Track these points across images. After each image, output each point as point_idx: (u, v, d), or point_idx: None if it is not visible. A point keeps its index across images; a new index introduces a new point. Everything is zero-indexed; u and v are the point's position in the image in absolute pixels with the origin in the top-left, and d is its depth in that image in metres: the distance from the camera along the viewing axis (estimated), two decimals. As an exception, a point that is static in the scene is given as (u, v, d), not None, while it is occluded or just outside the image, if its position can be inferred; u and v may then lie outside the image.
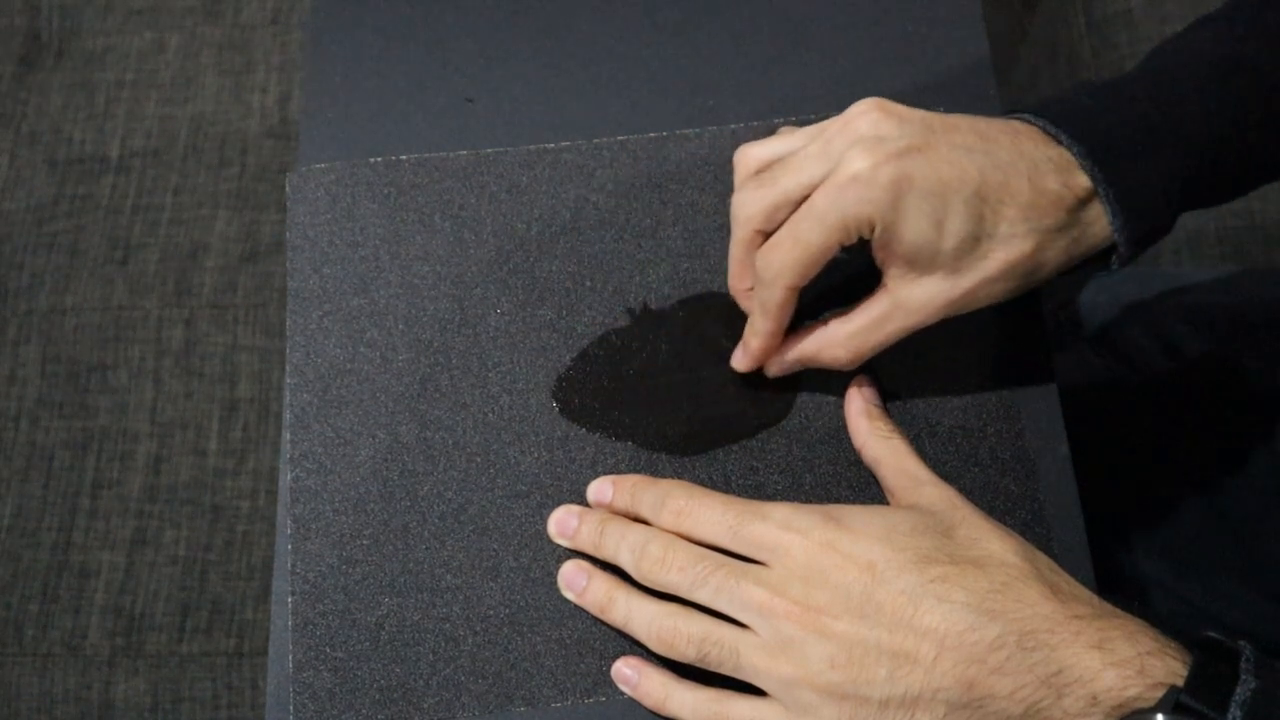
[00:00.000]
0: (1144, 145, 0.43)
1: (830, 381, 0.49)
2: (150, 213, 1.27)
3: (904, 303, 0.44)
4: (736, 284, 0.47)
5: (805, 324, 0.47)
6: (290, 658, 0.46)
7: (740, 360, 0.48)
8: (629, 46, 0.57)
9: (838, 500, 0.48)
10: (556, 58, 0.56)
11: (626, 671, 0.44)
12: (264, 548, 1.14)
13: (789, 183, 0.43)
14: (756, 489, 0.48)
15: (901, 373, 0.50)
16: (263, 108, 1.32)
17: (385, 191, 0.53)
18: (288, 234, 0.53)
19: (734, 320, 0.49)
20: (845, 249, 0.43)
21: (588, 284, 0.52)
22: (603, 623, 0.45)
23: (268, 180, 1.28)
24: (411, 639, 0.46)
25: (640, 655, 0.45)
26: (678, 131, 0.54)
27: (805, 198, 0.43)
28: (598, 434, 0.49)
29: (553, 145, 0.54)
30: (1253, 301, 0.66)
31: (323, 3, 0.58)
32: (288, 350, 0.51)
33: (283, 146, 1.30)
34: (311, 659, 0.46)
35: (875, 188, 0.41)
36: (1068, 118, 0.44)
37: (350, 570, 0.47)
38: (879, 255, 0.44)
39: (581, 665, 0.45)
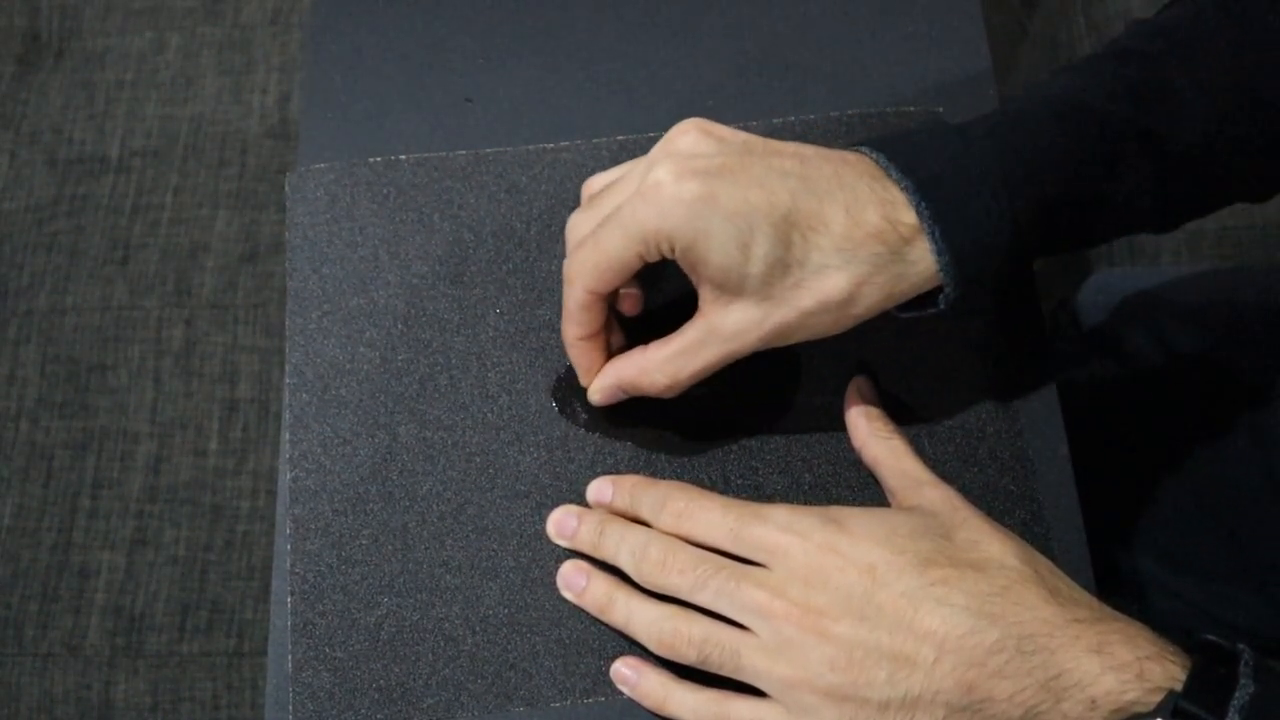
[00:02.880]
0: (977, 184, 0.42)
1: (830, 382, 0.49)
2: (150, 213, 1.27)
3: (718, 329, 0.43)
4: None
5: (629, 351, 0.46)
6: (289, 658, 0.46)
7: (580, 376, 0.47)
8: (629, 46, 0.57)
9: (837, 501, 0.48)
10: (556, 58, 0.56)
11: (625, 672, 0.44)
12: (264, 548, 1.14)
13: (609, 203, 0.43)
14: (756, 489, 0.48)
15: (901, 373, 0.50)
16: (263, 108, 1.32)
17: (385, 191, 0.53)
18: (287, 234, 0.53)
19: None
20: (660, 276, 0.43)
21: (587, 284, 0.52)
22: (602, 623, 0.45)
23: (268, 180, 1.28)
24: (411, 639, 0.46)
25: (639, 655, 0.45)
26: (677, 131, 0.54)
27: None
28: (597, 434, 0.49)
29: (552, 145, 0.54)
30: (1251, 302, 0.66)
31: (323, 3, 0.58)
32: (287, 350, 0.51)
33: (283, 146, 1.30)
34: (311, 659, 0.46)
35: (675, 203, 0.40)
36: (902, 153, 0.43)
37: (349, 570, 0.47)
38: (691, 277, 0.43)
39: (581, 665, 0.45)
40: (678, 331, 0.44)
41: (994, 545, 0.41)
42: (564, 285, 0.45)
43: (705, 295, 0.43)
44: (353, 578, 0.47)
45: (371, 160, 0.54)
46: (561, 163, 0.54)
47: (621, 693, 0.45)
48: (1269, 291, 0.67)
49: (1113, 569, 0.65)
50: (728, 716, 0.41)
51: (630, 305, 0.48)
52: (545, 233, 0.52)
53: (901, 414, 0.49)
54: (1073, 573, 0.41)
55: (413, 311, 0.51)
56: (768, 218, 0.40)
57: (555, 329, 0.51)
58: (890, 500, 0.46)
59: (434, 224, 0.53)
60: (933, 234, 0.41)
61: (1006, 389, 0.50)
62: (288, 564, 0.47)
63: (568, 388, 0.50)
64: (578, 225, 0.45)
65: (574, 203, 0.53)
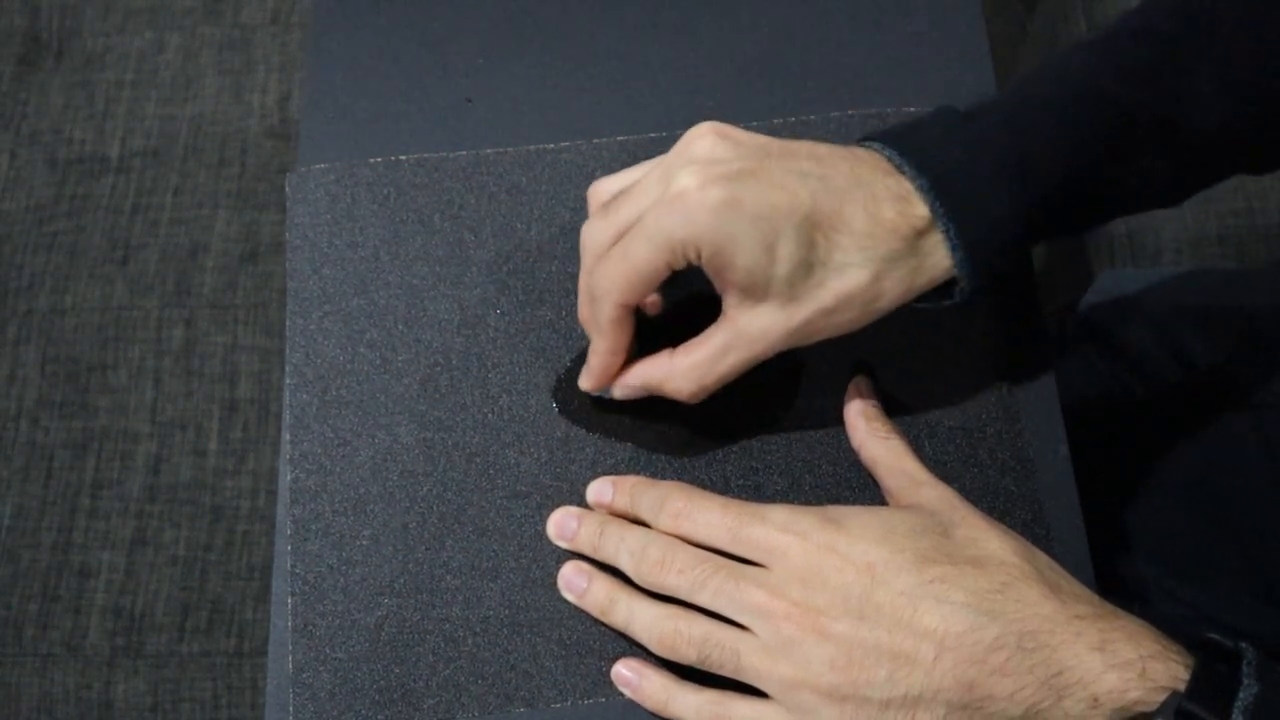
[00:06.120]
0: (991, 179, 0.42)
1: (830, 382, 0.49)
2: (150, 213, 1.27)
3: (743, 331, 0.43)
4: (584, 313, 0.46)
5: (655, 352, 0.46)
6: (290, 658, 0.46)
7: (584, 379, 0.48)
8: (629, 46, 0.57)
9: (838, 501, 0.48)
10: (556, 58, 0.56)
11: (626, 674, 0.44)
12: (264, 548, 1.14)
13: (629, 211, 0.43)
14: (756, 489, 0.48)
15: (901, 373, 0.50)
16: (263, 108, 1.32)
17: (385, 192, 0.53)
18: (288, 234, 0.53)
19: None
20: (677, 273, 0.43)
21: (587, 284, 0.52)
22: (602, 623, 0.45)
23: (268, 180, 1.28)
24: (411, 640, 0.46)
25: (639, 656, 0.45)
26: (678, 132, 0.54)
27: None
28: (597, 434, 0.49)
29: (552, 146, 0.54)
30: (1257, 305, 0.66)
31: (323, 3, 0.58)
32: (287, 351, 0.51)
33: (283, 146, 1.30)
34: (311, 660, 0.46)
35: (701, 209, 0.40)
36: (914, 148, 0.43)
37: (350, 571, 0.47)
38: (716, 282, 0.43)
39: (582, 666, 0.45)
40: (702, 336, 0.44)
41: (993, 542, 0.41)
42: (586, 298, 0.45)
43: (730, 299, 0.43)
44: (353, 578, 0.47)
45: (372, 160, 0.54)
46: (562, 163, 0.54)
47: (622, 693, 0.45)
48: (1274, 295, 0.67)
49: (1114, 572, 0.65)
50: (728, 717, 0.41)
51: (653, 307, 0.48)
52: (545, 233, 0.52)
53: (902, 414, 0.49)
54: (1073, 573, 0.41)
55: (413, 312, 0.51)
56: (790, 219, 0.41)
57: (556, 329, 0.51)
58: (888, 500, 0.46)
59: (434, 224, 0.53)
60: (947, 231, 0.42)
61: (1007, 389, 0.50)
62: (288, 564, 0.47)
63: (568, 388, 0.50)
64: (593, 233, 0.44)
65: (575, 203, 0.53)
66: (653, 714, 0.44)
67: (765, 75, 0.56)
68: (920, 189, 0.42)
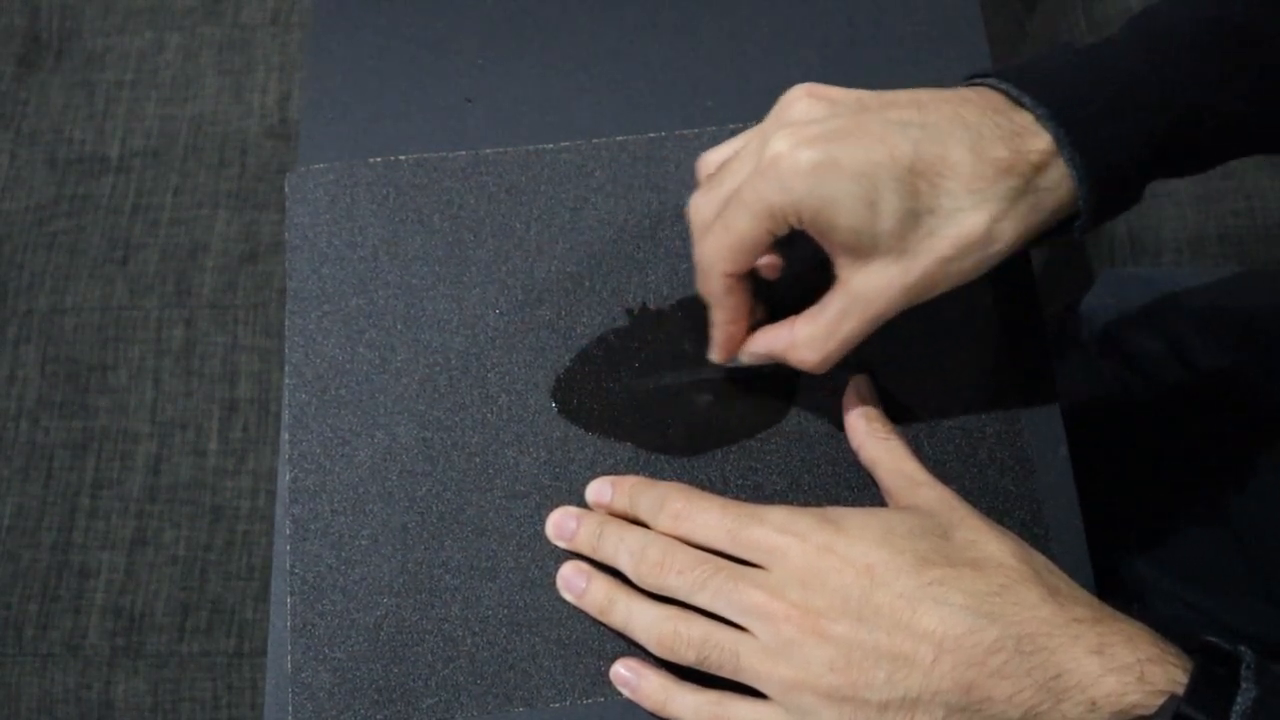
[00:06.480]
0: (1115, 107, 0.41)
1: (829, 382, 0.49)
2: (150, 213, 1.27)
3: (858, 293, 0.42)
4: (701, 286, 0.46)
5: (784, 320, 0.46)
6: (289, 658, 0.46)
7: (711, 352, 0.47)
8: (629, 46, 0.57)
9: (837, 501, 0.48)
10: (556, 58, 0.56)
11: (625, 674, 0.44)
12: (264, 548, 1.14)
13: (730, 182, 0.43)
14: (756, 490, 0.48)
15: (901, 373, 0.50)
16: (263, 108, 1.31)
17: (384, 192, 0.53)
18: (287, 234, 0.53)
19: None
20: (781, 241, 0.43)
21: (586, 284, 0.52)
22: (601, 623, 0.45)
23: (268, 180, 1.28)
24: (410, 639, 0.46)
25: (638, 657, 0.45)
26: (677, 132, 0.54)
27: None
28: (596, 434, 0.49)
29: (552, 146, 0.54)
30: (1260, 307, 0.66)
31: (323, 3, 0.58)
32: (287, 350, 0.51)
33: (283, 146, 1.29)
34: (310, 659, 0.46)
35: (795, 174, 0.40)
36: (1034, 79, 0.42)
37: (349, 570, 0.47)
38: (824, 247, 0.42)
39: (580, 666, 0.45)
40: (819, 304, 0.43)
41: (991, 544, 0.41)
42: (698, 272, 0.44)
43: (841, 262, 0.42)
44: (352, 578, 0.47)
45: (371, 160, 0.54)
46: (562, 163, 0.54)
47: (621, 693, 0.45)
48: (1276, 294, 0.67)
49: (1114, 574, 0.65)
50: (727, 718, 0.41)
51: (771, 272, 0.48)
52: (545, 233, 0.52)
53: (901, 415, 0.49)
54: (1072, 574, 0.41)
55: (412, 312, 0.51)
56: (891, 171, 0.40)
57: (555, 329, 0.51)
58: (887, 501, 0.46)
59: (434, 224, 0.53)
60: (1072, 160, 0.41)
61: (1006, 389, 0.50)
62: (287, 564, 0.47)
63: (568, 388, 0.50)
64: (699, 207, 0.44)
65: (574, 203, 0.53)
66: (651, 714, 0.44)
67: (765, 75, 0.56)
68: (1041, 119, 0.41)
